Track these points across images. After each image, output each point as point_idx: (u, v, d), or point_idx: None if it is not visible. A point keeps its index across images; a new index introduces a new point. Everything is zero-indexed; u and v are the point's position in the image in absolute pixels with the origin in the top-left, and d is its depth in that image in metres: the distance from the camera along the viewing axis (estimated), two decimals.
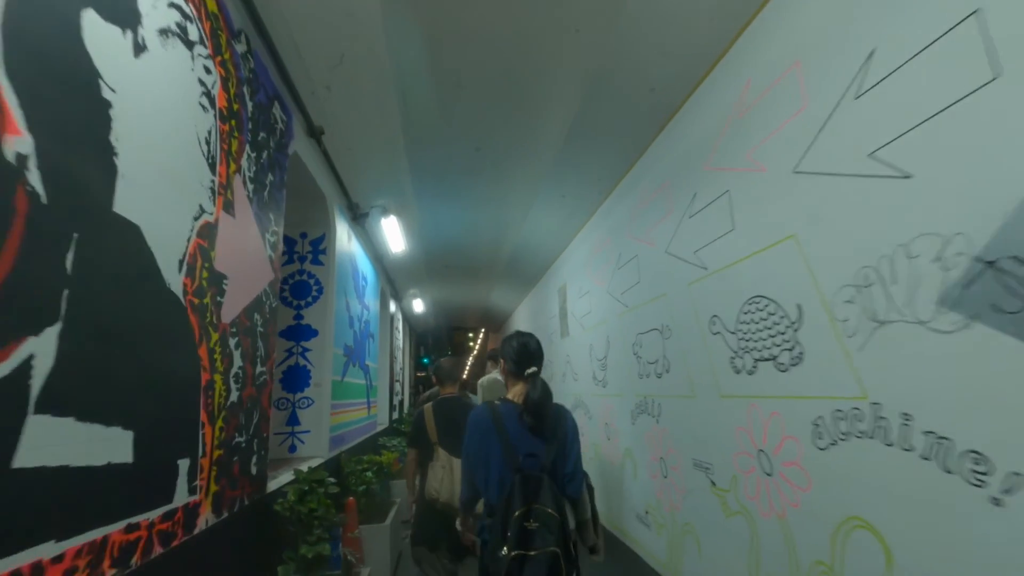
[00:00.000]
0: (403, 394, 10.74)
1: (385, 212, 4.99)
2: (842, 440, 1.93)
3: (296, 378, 3.72)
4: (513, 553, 1.45)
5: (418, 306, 10.15)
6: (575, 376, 6.02)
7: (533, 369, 1.77)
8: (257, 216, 2.40)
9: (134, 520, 1.40)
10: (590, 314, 5.36)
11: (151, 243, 1.51)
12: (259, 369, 2.38)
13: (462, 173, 4.52)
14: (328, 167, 3.77)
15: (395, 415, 8.83)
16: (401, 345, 9.90)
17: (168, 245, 1.61)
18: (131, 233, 1.43)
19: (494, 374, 3.83)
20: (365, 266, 5.63)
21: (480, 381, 4.55)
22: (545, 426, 1.70)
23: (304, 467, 2.72)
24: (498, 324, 14.35)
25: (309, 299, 3.87)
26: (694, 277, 3.07)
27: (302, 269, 3.91)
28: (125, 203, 1.39)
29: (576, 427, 1.84)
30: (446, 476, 2.41)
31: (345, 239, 4.49)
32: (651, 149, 3.70)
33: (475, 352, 30.94)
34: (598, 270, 5.02)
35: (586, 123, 3.58)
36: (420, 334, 18.45)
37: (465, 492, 1.77)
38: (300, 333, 3.80)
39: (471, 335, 34.02)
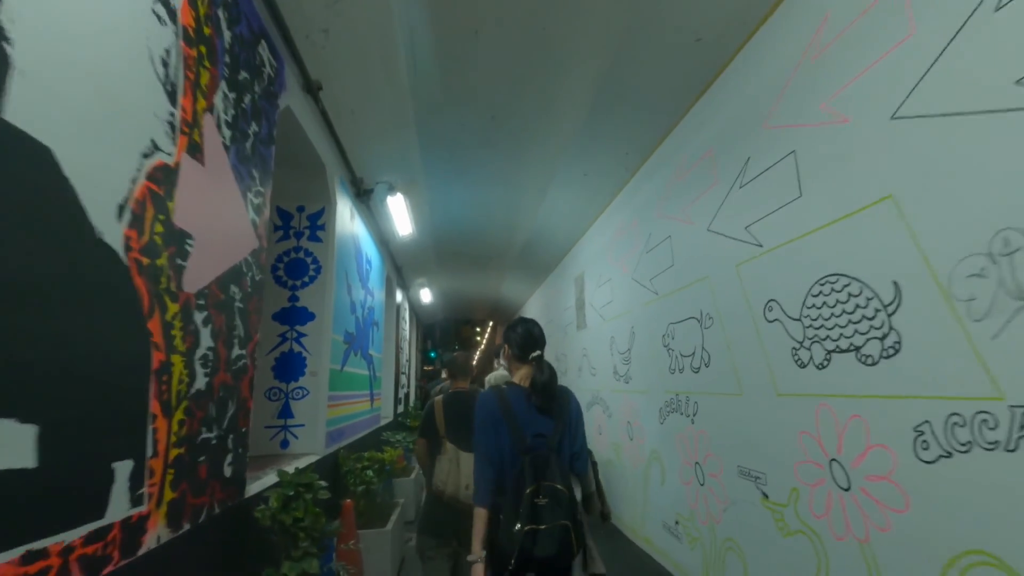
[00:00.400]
0: (409, 387, 10.40)
1: (391, 189, 4.60)
2: (961, 452, 1.51)
3: (290, 366, 3.36)
4: (526, 527, 1.50)
5: (426, 296, 9.79)
6: (593, 371, 5.62)
7: (537, 352, 1.81)
8: (236, 170, 2.02)
9: (37, 546, 1.03)
10: (611, 303, 4.95)
11: (72, 175, 1.13)
12: (237, 352, 2.00)
13: (476, 146, 4.12)
14: (328, 131, 3.39)
15: (400, 408, 8.48)
16: (407, 336, 9.56)
17: (101, 183, 1.23)
18: (37, 156, 1.05)
19: (501, 370, 3.58)
20: (370, 248, 5.26)
21: (488, 377, 4.27)
22: (552, 406, 1.74)
23: (291, 467, 2.35)
24: (508, 317, 13.98)
25: (306, 279, 3.50)
26: (744, 256, 2.66)
27: (298, 246, 3.53)
28: (27, 113, 1.01)
29: (580, 407, 1.87)
30: (452, 470, 2.40)
31: (347, 216, 4.12)
32: (692, 112, 3.28)
33: (483, 347, 30.68)
34: (622, 255, 4.61)
35: (616, 84, 3.16)
36: (427, 326, 18.14)
37: (484, 483, 1.67)
38: (295, 316, 3.43)
39: (478, 329, 33.86)
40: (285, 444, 3.27)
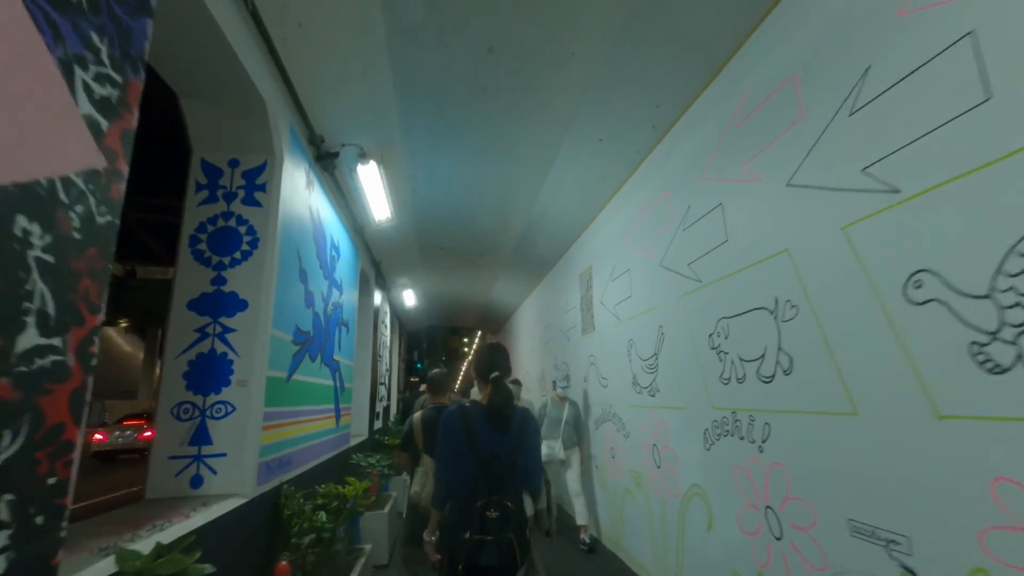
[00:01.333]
0: (389, 399, 9.40)
1: (363, 156, 3.73)
2: None
3: (209, 372, 2.44)
4: (475, 537, 1.73)
5: (409, 300, 8.88)
6: (603, 381, 4.75)
7: (496, 374, 1.97)
8: (51, 22, 1.13)
9: None
10: (629, 300, 4.11)
11: None
12: (34, 341, 1.10)
13: (467, 96, 3.27)
14: (266, 49, 2.51)
15: (378, 424, 7.51)
16: (388, 343, 8.61)
17: None
18: None
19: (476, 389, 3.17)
20: (337, 232, 4.37)
21: (472, 391, 3.89)
22: (506, 425, 1.89)
23: (162, 531, 1.44)
24: (498, 324, 13.07)
25: (237, 255, 2.59)
26: (864, 211, 1.82)
27: (228, 211, 2.63)
28: None
29: (537, 428, 2.02)
30: (428, 481, 2.56)
31: (301, 181, 3.23)
32: (768, 22, 2.47)
33: (470, 358, 29.62)
34: (646, 238, 3.77)
35: (648, 8, 2.36)
36: (412, 334, 17.15)
37: (440, 487, 1.90)
38: (220, 305, 2.52)
39: (465, 340, 32.95)
40: (197, 481, 2.34)
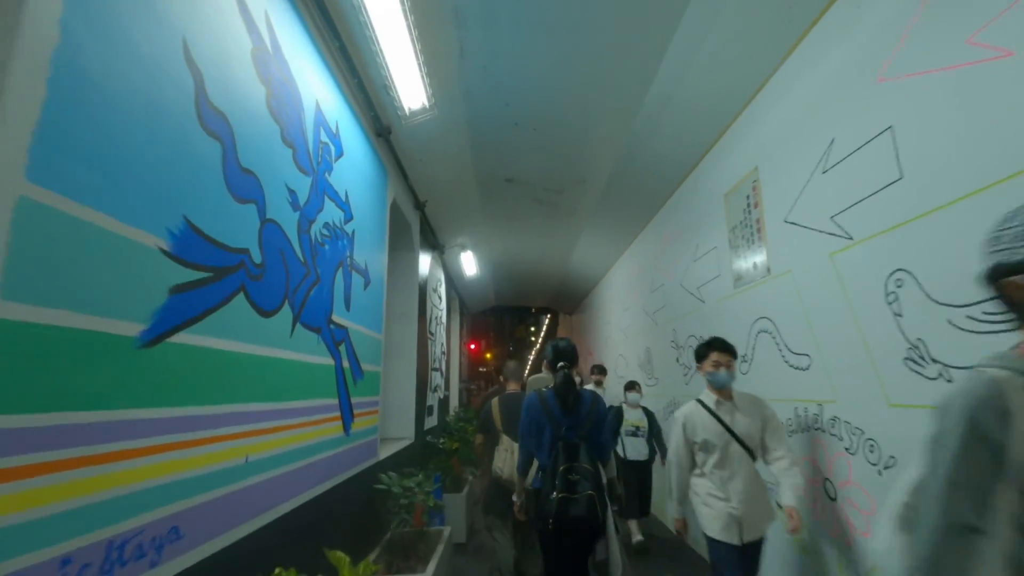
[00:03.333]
0: (447, 389, 7.71)
1: None
2: None
3: None
4: (561, 495, 2.08)
5: (469, 265, 7.14)
6: (796, 358, 2.69)
7: (562, 364, 2.35)
8: None
9: None
10: (888, 193, 2.03)
11: None
12: None
13: None
14: None
15: (431, 421, 5.84)
16: (443, 318, 6.91)
17: None
18: None
19: (544, 374, 2.82)
20: (343, 122, 2.65)
21: (529, 379, 3.54)
22: (574, 407, 2.28)
23: None
24: (575, 302, 11.12)
25: None
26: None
27: None
28: None
29: (605, 409, 2.49)
30: (508, 457, 2.90)
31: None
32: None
33: (539, 345, 27.98)
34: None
35: None
36: (475, 317, 15.57)
37: (521, 457, 2.37)
38: None
39: (532, 329, 31.49)
40: None
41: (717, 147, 3.59)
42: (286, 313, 1.97)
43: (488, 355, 24.75)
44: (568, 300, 11.01)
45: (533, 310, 20.64)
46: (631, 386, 4.49)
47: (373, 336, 3.24)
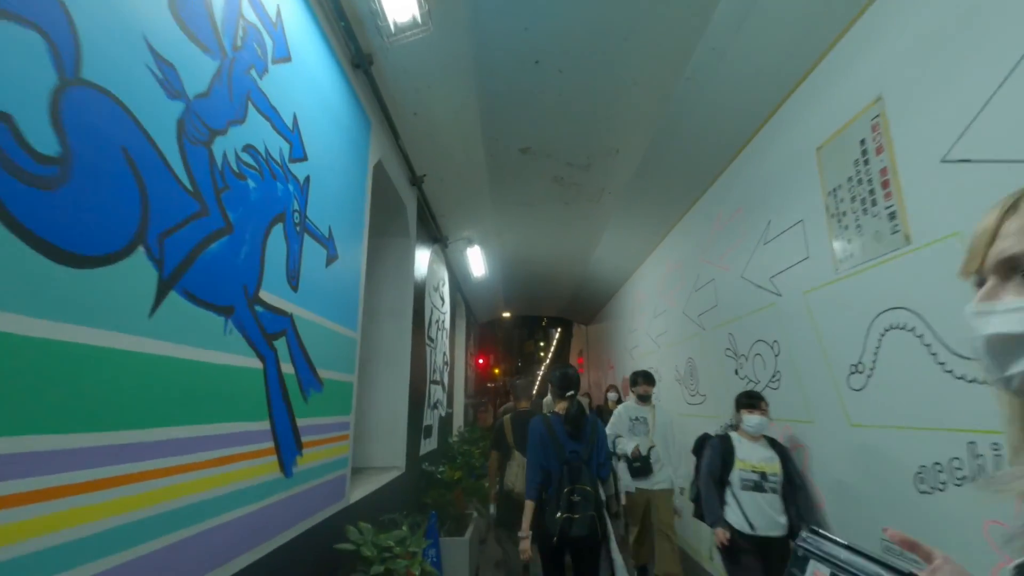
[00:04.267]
0: (448, 408, 6.73)
1: None
2: None
3: None
4: (564, 515, 2.30)
5: (476, 264, 6.28)
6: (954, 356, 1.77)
7: (571, 392, 2.57)
8: None
9: None
10: None
11: None
12: None
13: None
14: None
15: (429, 444, 4.91)
16: (445, 323, 6.00)
17: None
18: None
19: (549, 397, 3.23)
20: (292, 10, 1.82)
21: (544, 400, 3.85)
22: (580, 432, 2.48)
23: None
24: (592, 311, 10.19)
25: None
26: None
27: None
28: None
29: (604, 431, 2.70)
30: (520, 472, 3.03)
31: None
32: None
33: (548, 362, 27.03)
34: None
35: None
36: (485, 327, 14.70)
37: (533, 483, 2.45)
38: None
39: (542, 344, 30.71)
40: None
41: (805, 86, 2.70)
42: (140, 267, 1.09)
43: (496, 371, 24.54)
44: (585, 308, 10.09)
45: (544, 322, 19.69)
46: (751, 402, 2.66)
47: (341, 332, 2.36)
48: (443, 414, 5.68)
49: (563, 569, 2.49)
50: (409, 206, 3.91)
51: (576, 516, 2.28)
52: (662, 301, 5.42)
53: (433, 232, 4.97)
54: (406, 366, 3.81)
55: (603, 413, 6.36)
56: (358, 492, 2.64)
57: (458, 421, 7.78)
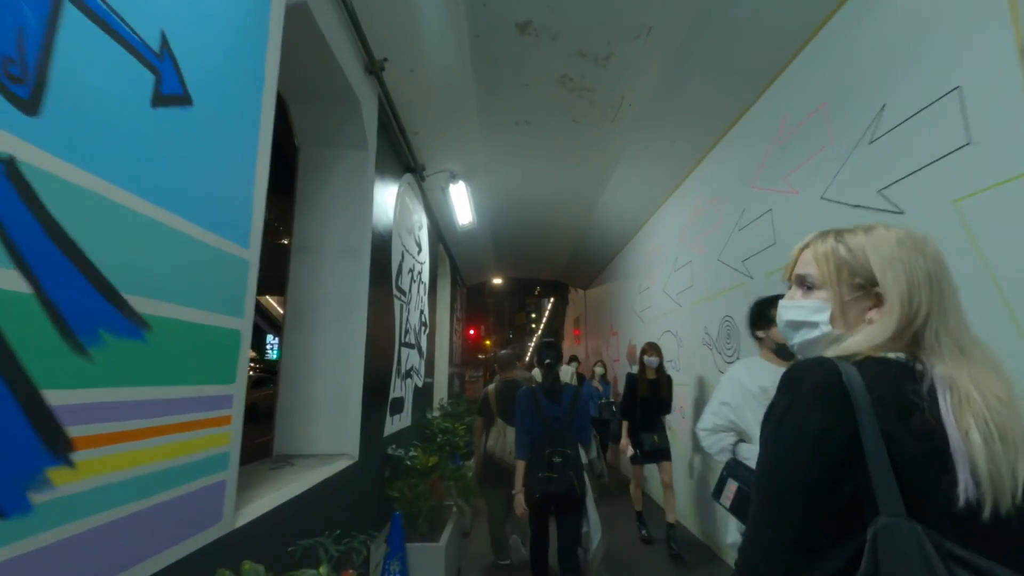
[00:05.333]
0: (427, 377, 5.70)
1: None
2: None
3: None
4: (546, 475, 2.54)
5: (462, 207, 5.24)
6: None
7: (548, 361, 2.80)
8: None
9: None
10: None
11: None
12: None
13: None
14: None
15: (403, 421, 3.97)
16: (423, 275, 4.96)
17: None
18: None
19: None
20: None
21: (533, 371, 4.09)
22: (558, 398, 2.73)
23: None
24: (591, 276, 9.23)
25: None
26: None
27: None
28: None
29: (585, 400, 2.93)
30: (500, 438, 3.37)
31: None
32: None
33: (539, 332, 26.36)
34: None
35: None
36: (475, 297, 13.73)
37: (522, 444, 2.70)
38: None
39: (533, 316, 30.24)
40: None
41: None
42: None
43: (488, 342, 24.31)
44: (585, 269, 9.12)
45: (537, 290, 18.72)
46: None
47: (202, 240, 1.35)
48: (419, 384, 4.73)
49: (547, 523, 2.76)
50: (366, 104, 2.86)
51: (555, 476, 2.54)
52: (688, 249, 4.44)
53: (404, 156, 3.91)
54: (362, 322, 2.82)
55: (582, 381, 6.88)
56: (261, 504, 1.68)
57: (440, 393, 6.86)
